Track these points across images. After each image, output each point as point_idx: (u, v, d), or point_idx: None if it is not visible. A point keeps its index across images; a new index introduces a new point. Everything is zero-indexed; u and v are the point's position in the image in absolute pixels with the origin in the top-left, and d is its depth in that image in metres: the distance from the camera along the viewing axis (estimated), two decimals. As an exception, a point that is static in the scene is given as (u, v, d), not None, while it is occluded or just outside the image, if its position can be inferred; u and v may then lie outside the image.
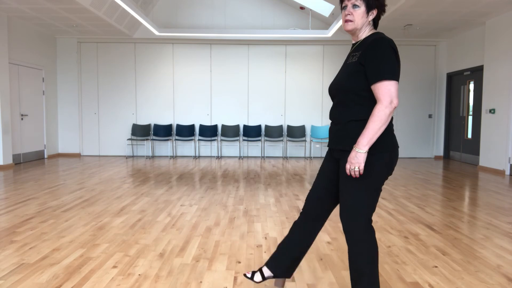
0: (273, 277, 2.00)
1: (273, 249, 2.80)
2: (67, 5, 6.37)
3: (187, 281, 2.26)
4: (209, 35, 8.28)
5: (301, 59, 8.95)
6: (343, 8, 1.76)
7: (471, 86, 7.99)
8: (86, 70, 8.91)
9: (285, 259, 1.96)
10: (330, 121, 1.66)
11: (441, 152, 8.98)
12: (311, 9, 8.30)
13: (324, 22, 8.89)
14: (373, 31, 1.77)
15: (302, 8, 8.52)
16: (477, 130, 7.68)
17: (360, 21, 1.72)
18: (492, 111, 6.85)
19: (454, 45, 8.50)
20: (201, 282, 2.25)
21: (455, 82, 8.62)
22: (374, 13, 1.74)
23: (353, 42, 1.82)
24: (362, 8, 1.71)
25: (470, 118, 8.02)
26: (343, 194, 1.73)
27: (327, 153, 1.92)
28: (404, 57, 8.91)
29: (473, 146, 7.88)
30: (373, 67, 1.61)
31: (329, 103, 8.98)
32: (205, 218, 3.63)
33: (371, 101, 1.67)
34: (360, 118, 1.67)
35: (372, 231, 1.72)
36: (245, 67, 8.94)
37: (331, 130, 1.83)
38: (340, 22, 7.28)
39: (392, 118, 1.70)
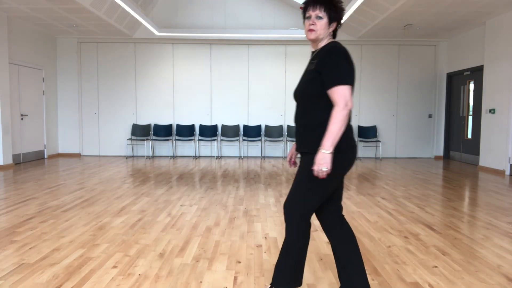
0: None
1: (273, 249, 2.80)
2: (67, 5, 6.37)
3: (187, 281, 2.26)
4: (209, 35, 8.28)
5: (301, 59, 8.94)
6: (306, 18, 1.88)
7: (471, 86, 7.99)
8: (86, 70, 8.91)
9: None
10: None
11: (441, 152, 8.98)
12: (311, 9, 8.28)
13: (324, 22, 8.88)
14: (331, 40, 1.90)
15: (302, 8, 8.52)
16: (477, 130, 7.68)
17: (322, 32, 1.85)
18: (492, 111, 6.85)
19: (454, 45, 8.50)
20: (201, 282, 2.25)
21: (455, 82, 8.62)
22: (334, 25, 1.88)
23: (313, 50, 1.95)
24: (325, 20, 1.84)
25: (470, 118, 8.02)
26: (292, 186, 1.90)
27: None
28: (404, 57, 8.91)
29: (473, 146, 7.88)
30: (329, 74, 1.75)
31: (329, 103, 8.97)
32: (205, 218, 3.63)
33: (328, 106, 1.79)
34: (319, 121, 1.80)
35: (302, 226, 1.86)
36: (245, 67, 8.94)
37: (296, 134, 1.95)
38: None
39: (350, 120, 1.82)
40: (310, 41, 1.90)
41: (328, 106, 1.78)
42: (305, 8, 1.89)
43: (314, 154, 1.77)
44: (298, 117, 1.91)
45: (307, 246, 1.96)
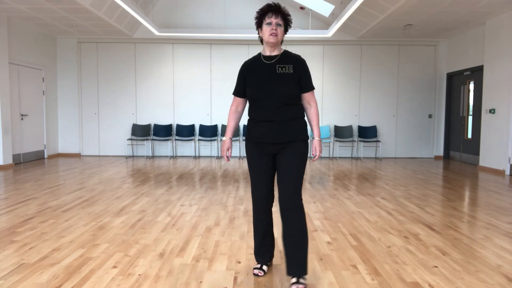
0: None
1: (273, 249, 2.80)
2: (67, 5, 6.37)
3: (187, 281, 2.26)
4: (209, 35, 8.28)
5: (301, 59, 8.93)
6: (267, 23, 2.13)
7: (471, 86, 7.99)
8: (86, 70, 8.91)
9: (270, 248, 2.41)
10: (267, 121, 2.05)
11: (441, 152, 8.98)
12: (311, 9, 8.30)
13: (324, 22, 8.89)
14: (282, 48, 2.26)
15: (302, 8, 8.53)
16: (477, 130, 7.68)
17: (281, 38, 2.16)
18: (492, 111, 6.85)
19: (454, 45, 8.50)
20: (201, 282, 2.25)
21: (455, 82, 8.62)
22: (284, 35, 2.21)
23: (268, 54, 2.20)
24: (283, 28, 2.17)
25: (470, 118, 8.02)
26: (288, 175, 2.12)
27: (256, 154, 2.24)
28: (404, 57, 8.91)
29: (473, 146, 7.88)
30: (307, 80, 2.20)
31: (330, 103, 8.97)
32: (205, 218, 3.63)
33: (301, 103, 2.24)
34: (300, 116, 2.21)
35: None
36: (245, 67, 8.92)
37: (272, 128, 2.15)
38: (340, 22, 7.29)
39: None
40: (268, 45, 2.15)
41: (300, 103, 2.24)
42: (263, 15, 2.13)
43: (306, 140, 2.19)
44: (279, 113, 2.14)
45: None
